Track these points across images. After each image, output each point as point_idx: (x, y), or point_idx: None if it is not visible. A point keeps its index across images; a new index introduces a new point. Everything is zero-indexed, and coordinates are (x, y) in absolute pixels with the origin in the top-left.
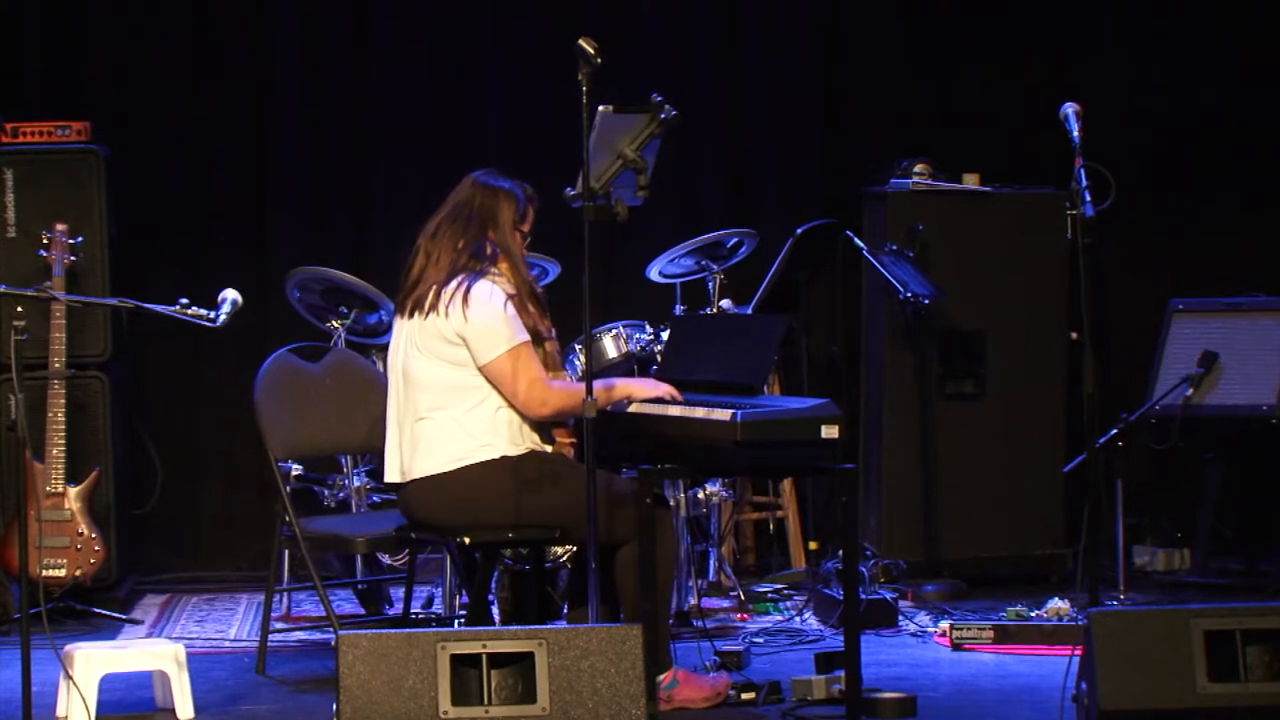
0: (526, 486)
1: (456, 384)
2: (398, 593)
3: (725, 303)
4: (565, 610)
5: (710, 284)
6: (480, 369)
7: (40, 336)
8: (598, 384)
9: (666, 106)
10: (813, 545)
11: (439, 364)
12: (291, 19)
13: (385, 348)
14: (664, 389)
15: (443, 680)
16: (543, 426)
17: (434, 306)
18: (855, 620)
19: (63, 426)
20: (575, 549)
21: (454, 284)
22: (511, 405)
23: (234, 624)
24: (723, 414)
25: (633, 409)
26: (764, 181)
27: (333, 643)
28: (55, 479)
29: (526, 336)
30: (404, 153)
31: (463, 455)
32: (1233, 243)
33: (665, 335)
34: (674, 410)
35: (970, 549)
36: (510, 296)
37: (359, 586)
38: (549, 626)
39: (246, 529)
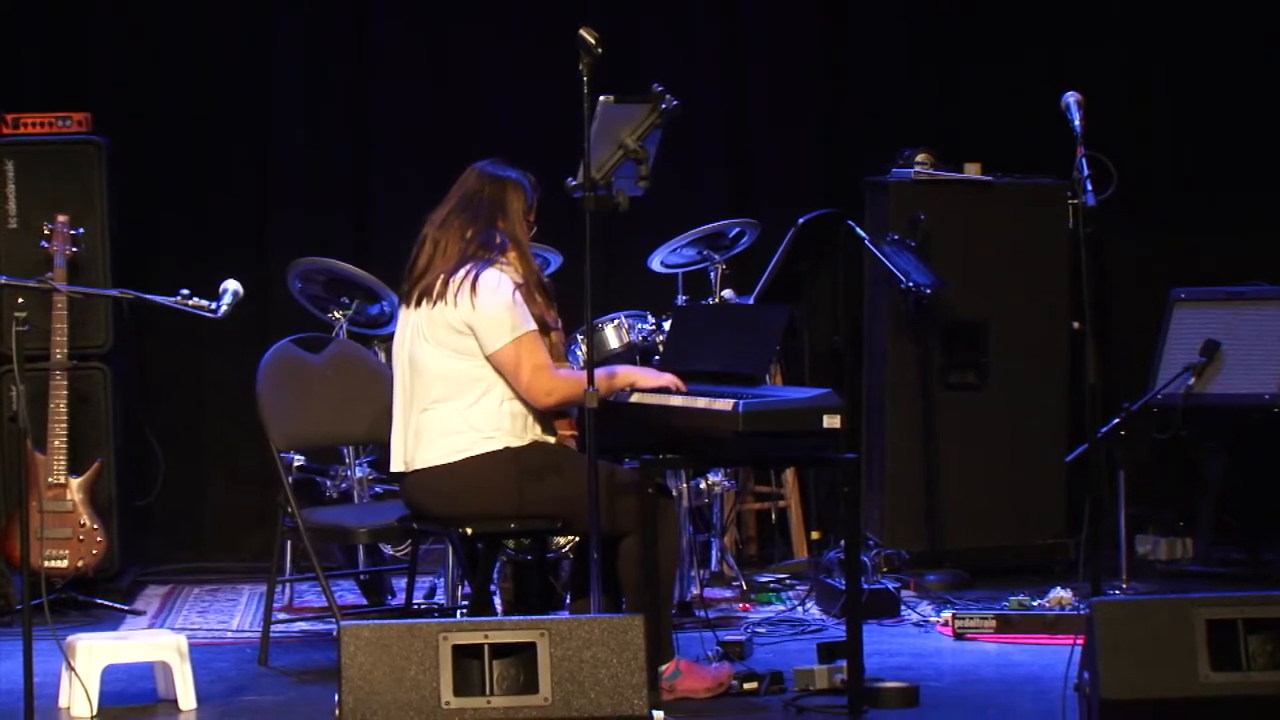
0: (529, 477)
1: (462, 375)
2: (400, 583)
3: (727, 293)
4: (567, 601)
5: (712, 274)
6: (487, 357)
7: (42, 327)
8: (600, 372)
9: (668, 96)
10: (815, 535)
11: (446, 354)
12: (291, 8)
13: (387, 339)
14: (667, 378)
15: (445, 671)
16: (546, 418)
17: (442, 295)
18: (857, 610)
19: (64, 417)
20: (577, 539)
21: (462, 272)
22: (517, 394)
23: (236, 615)
24: (724, 404)
25: (634, 399)
26: (766, 171)
27: (335, 633)
28: (57, 470)
29: (534, 325)
30: (404, 138)
31: (465, 447)
32: (1234, 231)
33: (667, 325)
34: (676, 401)
35: (972, 538)
36: (518, 286)
37: (361, 577)
38: (551, 617)
39: (248, 520)
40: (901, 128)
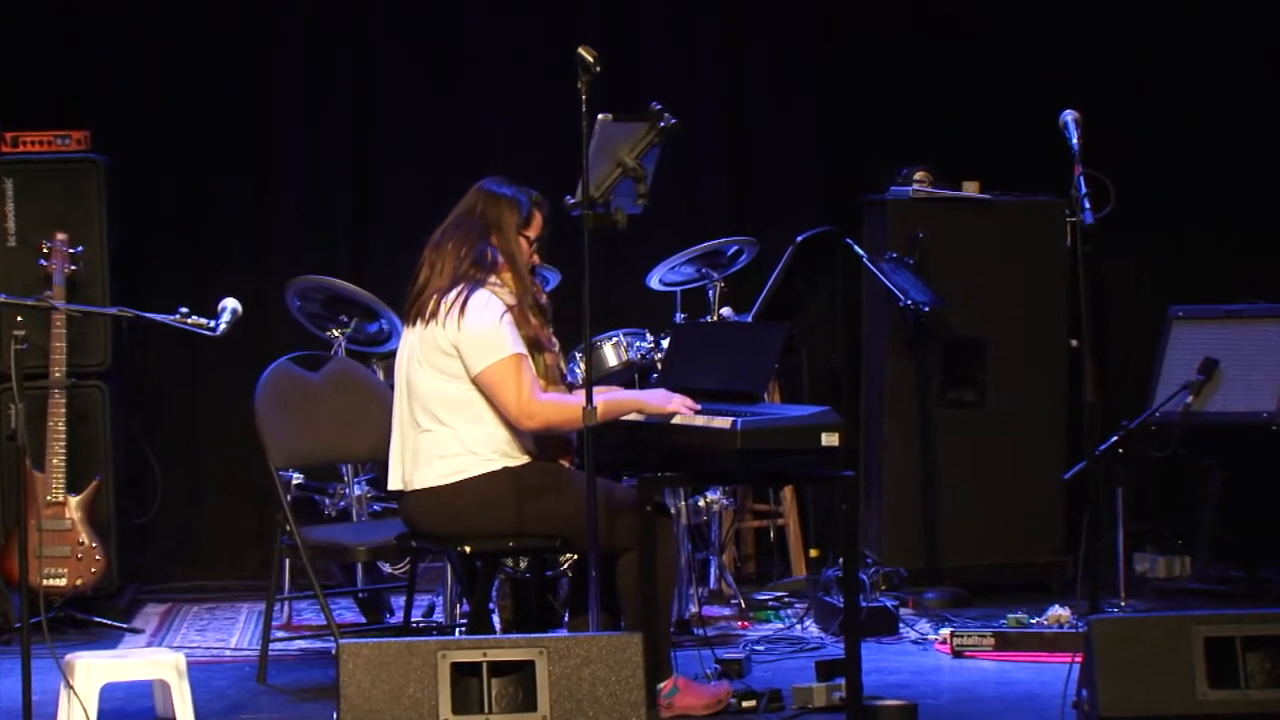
0: (527, 496)
1: (456, 398)
2: (398, 601)
3: (725, 311)
4: (566, 618)
5: (710, 292)
6: (472, 379)
7: (40, 346)
8: (601, 396)
9: (666, 115)
10: (813, 553)
11: (438, 376)
12: (291, 28)
13: (386, 356)
14: (677, 401)
15: (443, 688)
16: (543, 441)
17: (434, 315)
18: (856, 628)
19: (63, 436)
20: (576, 557)
21: (454, 293)
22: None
23: (235, 633)
24: (723, 422)
25: (632, 416)
26: (764, 189)
27: (333, 651)
28: (56, 488)
29: (521, 349)
30: (404, 160)
31: (463, 469)
32: (1232, 249)
33: (665, 343)
34: (674, 418)
35: (971, 556)
36: (510, 307)
37: (360, 595)
38: (549, 635)
39: (247, 538)
40: (900, 144)
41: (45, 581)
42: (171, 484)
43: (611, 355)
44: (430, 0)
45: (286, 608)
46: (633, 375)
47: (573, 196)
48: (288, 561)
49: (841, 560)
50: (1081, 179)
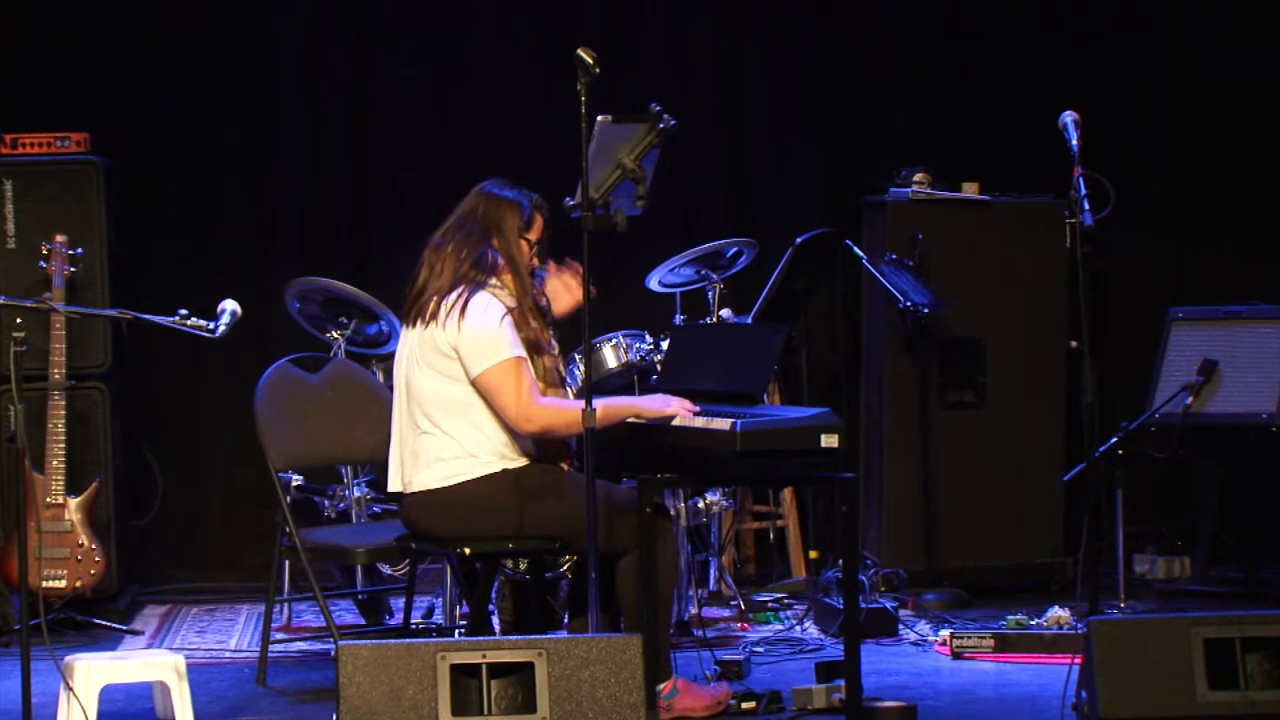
0: (527, 497)
1: (455, 400)
2: (398, 603)
3: (725, 312)
4: (565, 620)
5: (710, 293)
6: (471, 382)
7: (40, 347)
8: (600, 401)
9: (665, 116)
10: (813, 554)
11: (437, 378)
12: (291, 31)
13: (386, 358)
14: (675, 404)
15: (443, 690)
16: (542, 444)
17: (434, 316)
18: (855, 629)
19: (63, 437)
20: (576, 559)
21: (454, 295)
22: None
23: (234, 635)
24: (722, 424)
25: (633, 418)
26: (764, 191)
27: (333, 653)
28: (55, 490)
29: (520, 352)
30: (405, 160)
31: (462, 471)
32: (1232, 250)
33: (665, 345)
34: (674, 420)
35: (970, 557)
36: (510, 310)
37: (359, 597)
38: (549, 636)
39: (247, 539)
40: (900, 146)
41: (45, 583)
42: (171, 485)
43: (611, 357)
44: (431, 1)
45: (286, 609)
46: (632, 377)
47: (572, 198)
48: (287, 563)
49: (841, 561)
50: (1081, 180)
